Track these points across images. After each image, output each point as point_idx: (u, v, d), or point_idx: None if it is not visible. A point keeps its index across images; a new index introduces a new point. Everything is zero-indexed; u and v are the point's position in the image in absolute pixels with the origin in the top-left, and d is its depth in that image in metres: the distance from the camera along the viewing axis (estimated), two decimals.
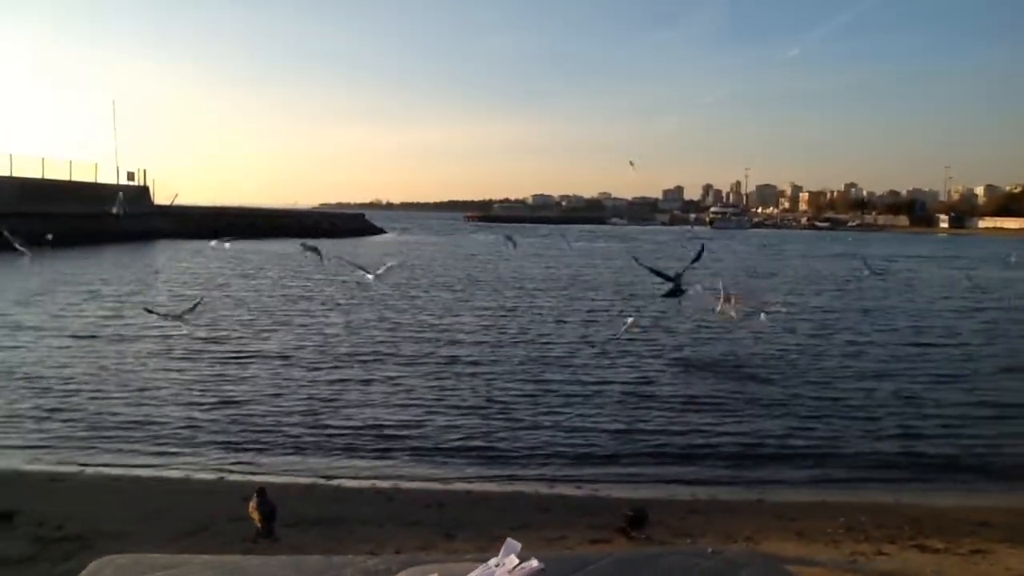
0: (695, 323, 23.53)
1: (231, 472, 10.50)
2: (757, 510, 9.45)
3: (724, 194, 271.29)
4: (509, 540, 1.87)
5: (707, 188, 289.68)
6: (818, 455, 11.89)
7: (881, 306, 30.80)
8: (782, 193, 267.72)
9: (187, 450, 11.44)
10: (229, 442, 11.83)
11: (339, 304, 27.95)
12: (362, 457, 11.32)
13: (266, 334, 21.13)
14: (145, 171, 72.98)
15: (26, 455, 11.04)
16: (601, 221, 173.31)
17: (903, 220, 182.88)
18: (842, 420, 13.68)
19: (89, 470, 10.33)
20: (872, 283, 39.78)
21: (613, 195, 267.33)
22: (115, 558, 1.55)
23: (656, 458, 11.58)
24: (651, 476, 10.93)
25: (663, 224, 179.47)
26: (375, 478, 10.40)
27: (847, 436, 12.79)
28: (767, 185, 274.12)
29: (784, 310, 24.35)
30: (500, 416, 13.37)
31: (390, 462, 11.15)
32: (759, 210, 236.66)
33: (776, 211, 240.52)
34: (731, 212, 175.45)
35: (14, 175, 55.67)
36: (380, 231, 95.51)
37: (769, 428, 13.07)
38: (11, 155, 56.04)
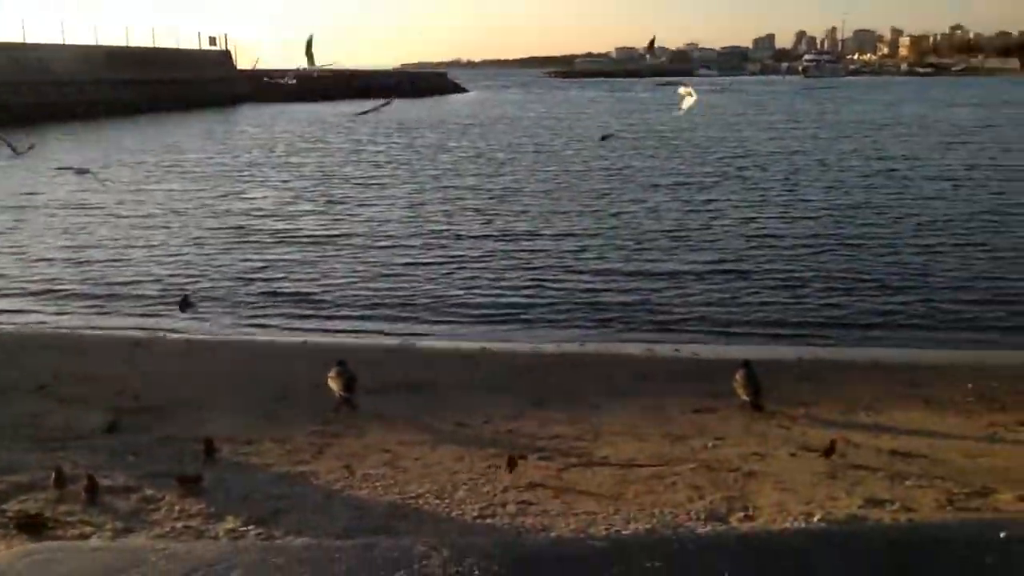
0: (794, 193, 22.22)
1: (313, 336, 10.19)
2: (874, 375, 8.63)
3: (819, 41, 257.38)
4: None
5: (800, 35, 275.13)
6: (935, 316, 10.95)
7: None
8: (881, 39, 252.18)
9: (269, 315, 11.19)
10: (311, 306, 11.52)
11: (423, 168, 27.36)
12: (448, 322, 10.87)
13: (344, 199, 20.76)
14: (227, 36, 72.56)
15: (106, 321, 10.97)
16: (688, 73, 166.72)
17: (1014, 63, 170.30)
18: (958, 278, 12.59)
19: (171, 336, 10.14)
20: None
21: (701, 45, 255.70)
22: (34, 548, 0.90)
23: (757, 324, 10.80)
24: (753, 340, 10.20)
25: (753, 74, 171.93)
26: (462, 342, 9.94)
27: (966, 296, 11.74)
28: (865, 30, 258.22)
29: None
30: (590, 278, 12.71)
31: (477, 327, 10.68)
32: (855, 57, 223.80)
33: (874, 57, 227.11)
34: (825, 60, 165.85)
35: (100, 43, 55.94)
36: (462, 90, 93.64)
37: (875, 289, 12.09)
38: (95, 26, 56.27)
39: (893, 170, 23.10)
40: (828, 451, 6.03)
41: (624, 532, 4.92)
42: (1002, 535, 1.10)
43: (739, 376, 7.25)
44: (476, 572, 1.09)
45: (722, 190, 20.13)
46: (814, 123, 43.37)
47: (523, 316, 10.95)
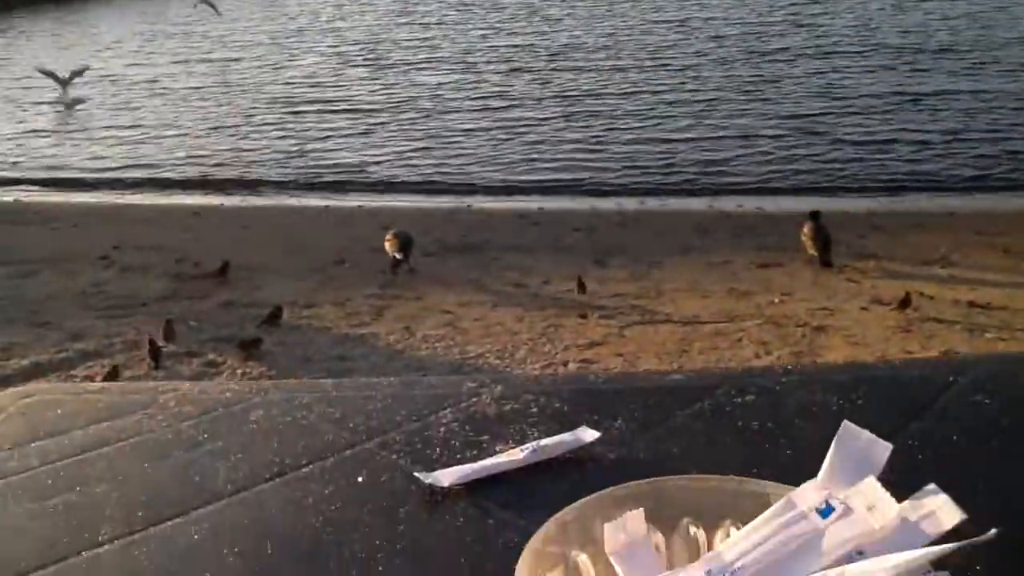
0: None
1: (368, 201, 10.09)
2: (949, 224, 8.23)
3: None
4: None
5: None
6: (1008, 158, 10.32)
7: None
8: None
9: (323, 183, 11.08)
10: (364, 171, 11.38)
11: (475, 27, 26.52)
12: (512, 181, 10.63)
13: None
14: None
15: (165, 192, 11.00)
16: None
17: None
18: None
19: (228, 203, 10.13)
20: None
21: None
22: (34, 388, 0.77)
23: (819, 170, 10.32)
24: (819, 188, 9.80)
25: None
26: (519, 203, 9.74)
27: None
28: None
29: None
30: (653, 137, 12.26)
31: (535, 184, 10.44)
32: None
33: None
34: None
35: None
36: None
37: (947, 128, 11.42)
38: None
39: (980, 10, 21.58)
40: (903, 303, 5.78)
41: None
42: None
43: (807, 229, 6.95)
44: (533, 408, 0.94)
45: (793, 39, 19.04)
46: None
47: (583, 178, 10.63)
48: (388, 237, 7.12)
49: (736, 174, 10.31)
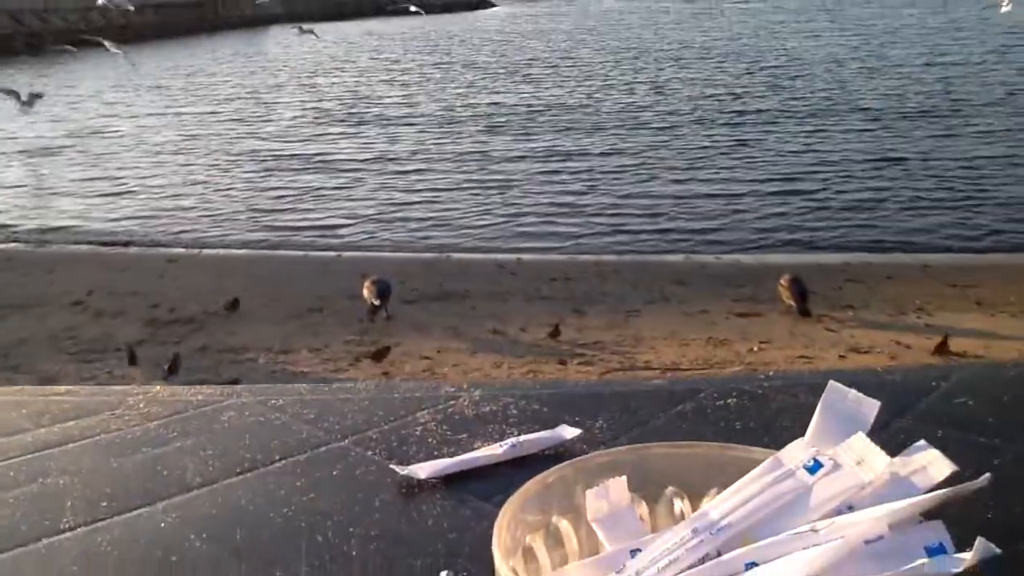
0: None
1: (348, 249, 10.08)
2: (923, 277, 8.34)
3: None
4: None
5: None
6: (984, 215, 10.51)
7: None
8: None
9: (304, 228, 11.06)
10: (346, 218, 11.37)
11: (454, 84, 26.84)
12: (484, 231, 10.66)
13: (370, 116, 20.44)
14: None
15: (144, 234, 10.93)
16: None
17: None
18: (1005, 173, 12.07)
19: (206, 251, 10.08)
20: None
21: None
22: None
23: (797, 228, 10.43)
24: (793, 242, 9.90)
25: None
26: (498, 254, 9.75)
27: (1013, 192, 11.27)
28: None
29: None
30: (630, 194, 12.35)
31: (513, 236, 10.46)
32: None
33: None
34: None
35: None
36: (491, 4, 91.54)
37: (919, 187, 11.64)
38: None
39: (949, 78, 22.11)
40: (941, 347, 5.94)
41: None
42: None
43: (784, 281, 7.02)
44: (513, 410, 0.92)
45: (771, 101, 19.34)
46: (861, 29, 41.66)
47: (561, 231, 10.62)
48: (366, 284, 7.11)
49: (715, 231, 10.35)
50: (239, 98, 23.72)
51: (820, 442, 0.53)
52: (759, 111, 18.10)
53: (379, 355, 6.08)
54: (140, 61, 32.05)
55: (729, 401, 0.94)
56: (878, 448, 0.51)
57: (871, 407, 0.55)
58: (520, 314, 7.16)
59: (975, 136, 14.84)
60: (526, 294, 7.88)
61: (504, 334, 6.74)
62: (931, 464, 0.50)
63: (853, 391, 0.55)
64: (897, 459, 0.51)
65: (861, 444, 0.51)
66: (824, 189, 11.92)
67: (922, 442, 0.52)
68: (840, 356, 5.96)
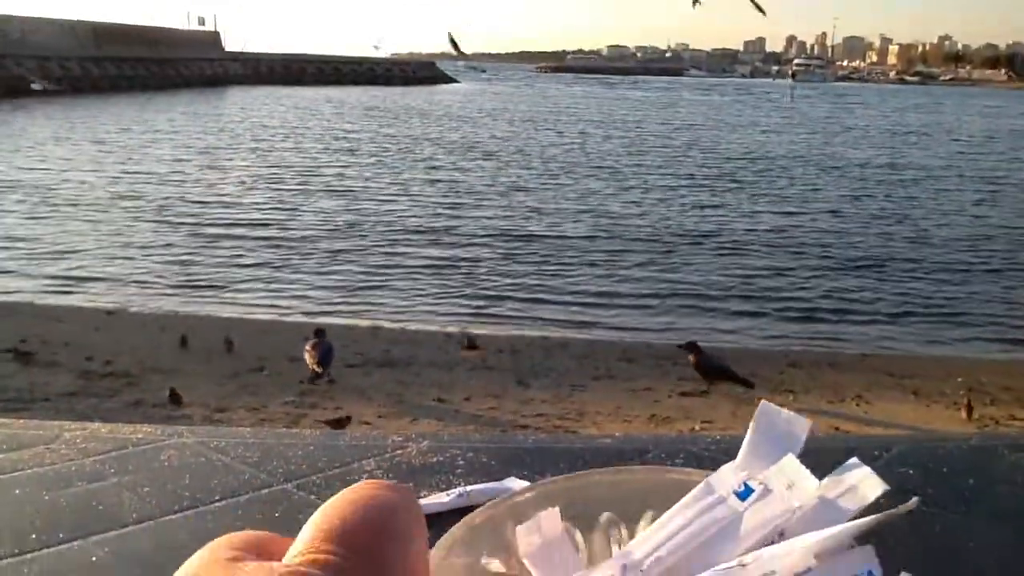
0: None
1: (291, 312, 9.97)
2: (863, 366, 8.52)
3: (808, 46, 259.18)
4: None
5: (791, 39, 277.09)
6: (924, 313, 10.82)
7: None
8: (870, 46, 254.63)
9: (244, 289, 10.91)
10: (288, 282, 11.24)
11: (406, 158, 27.02)
12: (431, 301, 10.63)
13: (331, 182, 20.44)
14: (216, 17, 72.06)
15: (84, 292, 10.63)
16: (679, 73, 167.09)
17: (1000, 75, 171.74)
18: (948, 278, 12.49)
19: (147, 308, 9.87)
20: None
21: (691, 46, 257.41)
22: None
23: (744, 314, 10.61)
24: (740, 330, 10.04)
25: (743, 76, 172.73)
26: (445, 322, 9.73)
27: (956, 294, 11.65)
28: (854, 37, 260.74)
29: None
30: (576, 262, 12.51)
31: (460, 307, 10.45)
32: (845, 63, 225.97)
33: (863, 64, 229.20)
34: (814, 64, 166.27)
35: (86, 19, 55.33)
36: (452, 80, 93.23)
37: (866, 285, 11.97)
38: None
39: (903, 179, 22.94)
40: (969, 408, 6.80)
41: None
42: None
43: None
44: (460, 461, 0.91)
45: (725, 197, 19.53)
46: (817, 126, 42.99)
47: (506, 309, 10.55)
48: (307, 348, 7.01)
49: (664, 315, 10.41)
50: (182, 159, 23.22)
51: (751, 463, 0.52)
52: (715, 206, 18.49)
53: (339, 424, 5.94)
54: (90, 115, 31.67)
55: (676, 462, 0.94)
56: (807, 471, 0.50)
57: (803, 427, 0.55)
58: (464, 384, 7.13)
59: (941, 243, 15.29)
60: (471, 364, 7.85)
61: (447, 402, 6.70)
62: (862, 483, 0.49)
63: (785, 411, 0.55)
64: (827, 479, 0.51)
65: (791, 466, 0.50)
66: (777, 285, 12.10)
67: (854, 459, 0.52)
68: None
